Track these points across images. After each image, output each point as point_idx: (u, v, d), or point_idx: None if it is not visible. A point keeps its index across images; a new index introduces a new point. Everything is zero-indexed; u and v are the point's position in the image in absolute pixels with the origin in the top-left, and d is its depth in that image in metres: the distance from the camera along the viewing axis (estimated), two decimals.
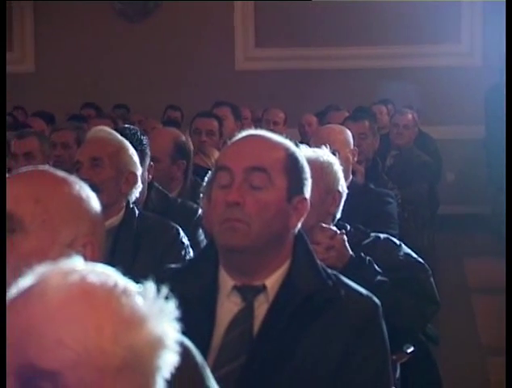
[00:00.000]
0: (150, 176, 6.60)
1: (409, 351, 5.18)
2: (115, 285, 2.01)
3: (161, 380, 2.01)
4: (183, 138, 7.75)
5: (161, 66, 16.82)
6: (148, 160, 6.52)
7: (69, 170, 3.81)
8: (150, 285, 2.02)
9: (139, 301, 2.00)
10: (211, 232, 3.89)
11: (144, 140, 6.68)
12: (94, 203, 3.13)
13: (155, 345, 1.98)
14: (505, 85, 15.77)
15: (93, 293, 1.98)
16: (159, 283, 2.04)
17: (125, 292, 2.01)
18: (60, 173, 3.24)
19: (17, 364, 1.92)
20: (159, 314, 1.99)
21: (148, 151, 6.62)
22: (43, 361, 1.91)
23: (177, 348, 2.03)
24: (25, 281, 2.00)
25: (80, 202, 3.09)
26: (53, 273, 2.01)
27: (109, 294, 1.99)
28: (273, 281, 3.71)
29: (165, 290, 2.01)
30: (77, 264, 2.04)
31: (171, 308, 2.01)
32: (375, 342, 3.69)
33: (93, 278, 2.00)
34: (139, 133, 6.79)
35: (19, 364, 1.92)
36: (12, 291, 2.00)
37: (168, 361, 2.00)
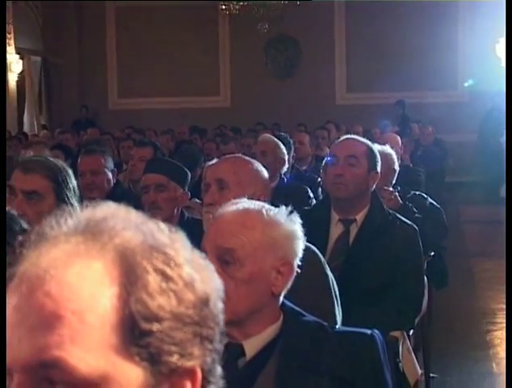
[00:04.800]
0: (292, 160, 6.57)
1: (431, 254, 5.09)
2: (263, 207, 2.06)
3: (296, 260, 2.01)
4: None
5: (297, 102, 16.77)
6: (291, 152, 6.49)
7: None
8: (283, 208, 2.05)
9: (277, 213, 2.04)
10: (327, 189, 3.89)
11: (288, 141, 6.65)
12: (265, 174, 3.13)
13: (289, 236, 2.01)
14: None
15: (248, 211, 2.04)
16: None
17: (268, 209, 2.05)
18: (246, 157, 3.29)
19: (212, 248, 1.96)
20: (290, 220, 2.03)
21: (292, 147, 6.60)
22: (224, 243, 1.96)
23: (304, 238, 2.05)
24: (217, 213, 2.07)
25: (257, 173, 3.08)
26: (229, 205, 2.07)
27: (259, 211, 2.04)
28: (360, 216, 3.70)
29: (290, 208, 2.05)
30: (243, 201, 2.10)
31: (297, 218, 2.04)
32: (415, 249, 3.66)
33: (250, 205, 2.07)
34: (286, 137, 6.76)
35: (212, 247, 1.96)
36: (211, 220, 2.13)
37: (299, 245, 2.02)
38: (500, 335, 6.35)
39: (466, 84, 16.88)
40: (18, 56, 15.45)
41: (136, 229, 0.93)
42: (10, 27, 15.19)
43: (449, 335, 6.26)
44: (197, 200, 4.77)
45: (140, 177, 4.45)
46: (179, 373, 0.91)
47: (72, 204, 2.89)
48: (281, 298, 2.00)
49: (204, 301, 0.93)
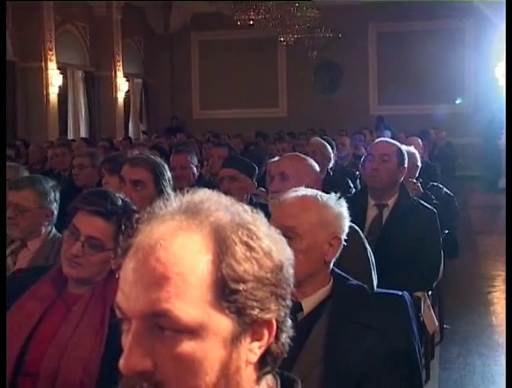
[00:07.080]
0: (335, 158, 6.44)
1: (446, 232, 4.96)
2: (317, 193, 1.99)
3: (343, 235, 1.94)
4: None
5: (339, 112, 16.61)
6: (334, 151, 6.34)
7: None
8: (333, 194, 1.98)
9: (328, 198, 1.96)
10: (365, 180, 3.79)
11: (333, 143, 6.51)
12: (317, 168, 3.08)
13: (338, 216, 1.94)
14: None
15: (306, 197, 1.97)
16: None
17: (322, 195, 1.98)
18: (302, 155, 3.22)
19: (277, 227, 1.87)
20: (338, 204, 1.95)
21: (334, 146, 6.45)
22: (287, 222, 1.89)
23: (349, 218, 1.97)
24: (281, 199, 2.00)
25: (311, 167, 3.04)
26: (290, 192, 2.01)
27: (314, 197, 1.97)
28: (391, 202, 3.60)
29: (338, 195, 1.98)
30: (301, 189, 2.02)
31: (344, 202, 1.96)
32: (434, 228, 3.55)
33: (307, 192, 1.99)
34: (331, 140, 6.63)
35: (277, 226, 1.86)
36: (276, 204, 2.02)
37: (346, 223, 1.95)
38: (498, 295, 6.27)
39: (457, 101, 16.59)
40: (125, 79, 15.64)
41: (226, 209, 0.93)
42: (119, 57, 15.40)
43: (458, 295, 6.17)
44: (262, 189, 4.75)
45: (217, 171, 4.44)
46: (259, 324, 0.91)
47: (167, 192, 2.90)
48: (331, 265, 1.96)
49: (279, 267, 0.92)
